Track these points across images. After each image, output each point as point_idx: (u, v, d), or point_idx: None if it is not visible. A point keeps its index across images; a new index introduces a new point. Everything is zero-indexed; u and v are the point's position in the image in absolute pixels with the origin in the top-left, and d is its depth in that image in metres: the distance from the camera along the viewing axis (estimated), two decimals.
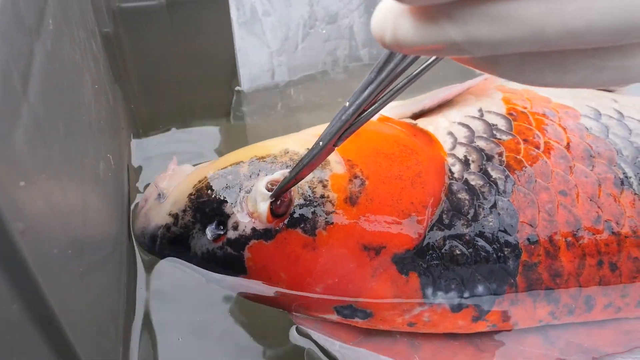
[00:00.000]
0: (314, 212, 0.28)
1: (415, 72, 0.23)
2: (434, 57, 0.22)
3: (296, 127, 0.49)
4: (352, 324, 0.30)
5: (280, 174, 0.28)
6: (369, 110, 0.23)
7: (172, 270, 0.33)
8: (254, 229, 0.28)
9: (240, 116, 0.53)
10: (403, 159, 0.30)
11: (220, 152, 0.48)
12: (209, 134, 0.51)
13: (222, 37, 0.54)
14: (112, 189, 0.31)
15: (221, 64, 0.57)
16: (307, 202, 0.28)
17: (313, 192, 0.28)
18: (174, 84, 0.57)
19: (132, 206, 0.37)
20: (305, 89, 0.55)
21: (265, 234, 0.28)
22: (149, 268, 0.35)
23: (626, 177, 0.32)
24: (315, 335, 0.31)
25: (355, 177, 0.29)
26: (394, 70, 0.20)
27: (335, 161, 0.30)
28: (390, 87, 0.22)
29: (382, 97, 0.22)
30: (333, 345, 0.30)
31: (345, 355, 0.29)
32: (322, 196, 0.28)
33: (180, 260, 0.31)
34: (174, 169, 0.32)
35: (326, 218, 0.28)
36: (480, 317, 0.30)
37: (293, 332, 0.34)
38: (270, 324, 0.35)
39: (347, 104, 0.23)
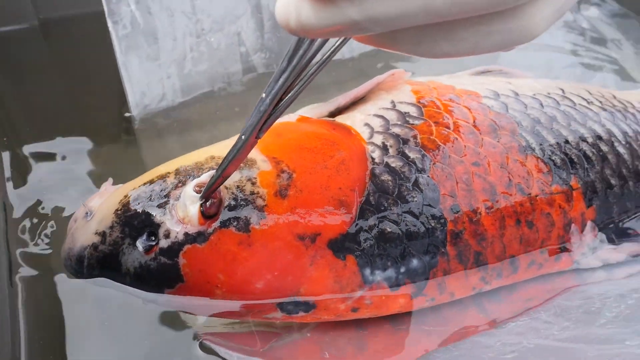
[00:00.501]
0: (245, 209, 0.28)
1: (324, 57, 0.25)
2: (340, 39, 0.24)
3: (194, 145, 0.48)
4: (296, 320, 0.30)
5: (207, 175, 0.28)
6: (286, 98, 0.24)
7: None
8: (186, 234, 0.28)
9: (133, 139, 0.52)
10: (326, 150, 0.31)
11: (118, 177, 0.47)
12: (103, 160, 0.49)
13: (104, 55, 0.52)
14: None
15: (108, 83, 0.55)
16: (238, 201, 0.28)
17: (242, 190, 0.29)
18: (59, 111, 0.55)
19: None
20: (201, 105, 0.54)
21: (198, 237, 0.27)
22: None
23: (528, 144, 0.35)
24: (218, 348, 0.31)
25: (282, 171, 0.30)
26: (304, 56, 0.21)
27: (261, 160, 0.30)
28: (304, 73, 0.23)
29: (298, 84, 0.23)
30: (231, 357, 0.30)
31: None
32: (252, 193, 0.29)
33: (108, 281, 0.30)
34: (106, 189, 0.31)
35: (258, 213, 0.28)
36: (418, 292, 0.31)
37: (196, 350, 0.33)
38: (173, 340, 0.34)
39: (264, 95, 0.24)
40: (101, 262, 0.29)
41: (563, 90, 0.41)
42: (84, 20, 0.63)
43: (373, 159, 0.32)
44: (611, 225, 0.37)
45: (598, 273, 0.36)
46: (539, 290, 0.35)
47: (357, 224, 0.30)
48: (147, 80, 0.52)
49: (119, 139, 0.52)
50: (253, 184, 0.29)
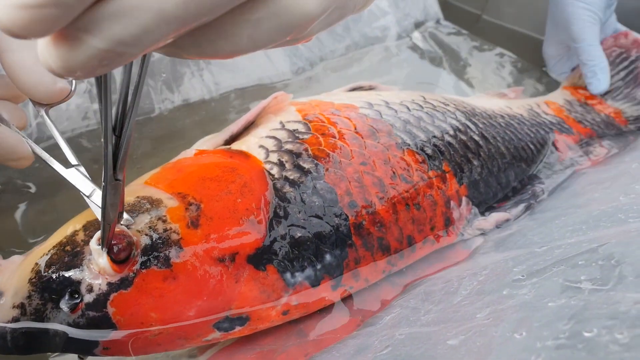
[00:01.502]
0: (162, 247, 0.30)
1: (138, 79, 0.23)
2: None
3: (52, 211, 0.47)
4: (235, 335, 0.32)
5: (101, 229, 0.29)
6: (124, 131, 0.23)
7: None
8: (109, 284, 0.29)
9: None
10: (227, 177, 0.34)
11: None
12: None
13: None
14: None
15: None
16: (153, 240, 0.30)
17: (155, 230, 0.30)
18: None
19: None
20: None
21: (122, 284, 0.29)
22: None
23: (403, 141, 0.41)
24: None
25: (190, 204, 0.32)
26: (106, 88, 0.21)
27: (167, 197, 0.32)
28: (128, 102, 0.22)
29: (127, 117, 0.23)
30: None
31: None
32: (165, 230, 0.31)
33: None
34: (2, 264, 0.31)
35: (176, 248, 0.30)
36: (337, 284, 0.35)
37: None
38: None
39: (102, 139, 0.24)
40: (26, 333, 0.28)
41: (424, 98, 0.48)
42: None
43: (272, 175, 0.36)
44: (481, 201, 0.44)
45: (478, 240, 0.42)
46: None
47: (269, 236, 0.33)
48: None
49: None
50: (164, 221, 0.31)
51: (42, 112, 0.30)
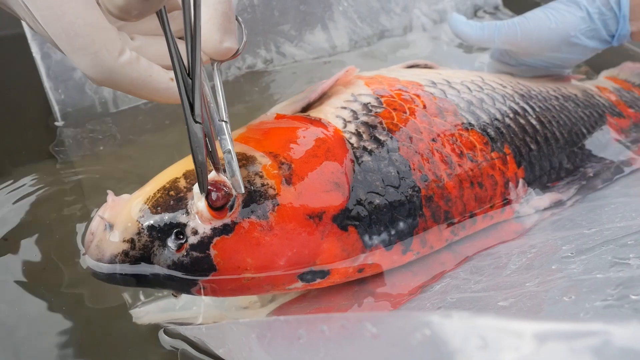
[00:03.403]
0: (260, 199, 0.33)
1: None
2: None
3: (128, 157, 0.52)
4: (314, 286, 0.36)
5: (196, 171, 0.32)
6: (196, 69, 0.27)
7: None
8: (213, 228, 0.32)
9: (64, 155, 0.54)
10: (312, 142, 0.37)
11: (55, 194, 0.49)
12: (37, 177, 0.51)
13: (27, 75, 0.55)
14: None
15: (32, 104, 0.57)
16: (253, 193, 0.33)
17: (253, 184, 0.34)
18: None
19: None
20: (131, 117, 0.57)
21: (225, 229, 0.32)
22: None
23: (468, 121, 0.44)
24: (182, 328, 0.36)
25: (282, 163, 0.35)
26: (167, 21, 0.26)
27: (259, 155, 0.35)
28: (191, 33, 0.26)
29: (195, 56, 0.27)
30: (200, 330, 0.34)
31: (210, 335, 0.33)
32: (263, 184, 0.34)
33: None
34: (113, 200, 0.34)
35: (272, 201, 0.33)
36: (407, 248, 0.38)
37: (162, 336, 0.39)
38: (137, 332, 0.39)
39: (170, 77, 0.28)
40: (134, 265, 0.32)
41: (482, 78, 0.51)
42: (2, 41, 0.62)
43: (352, 144, 0.39)
44: (535, 181, 0.47)
45: (532, 217, 0.45)
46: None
47: (351, 200, 0.36)
48: (74, 97, 0.54)
49: (50, 156, 0.54)
50: (261, 177, 0.34)
51: (215, 67, 0.33)
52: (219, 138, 0.32)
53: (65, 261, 0.45)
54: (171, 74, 0.30)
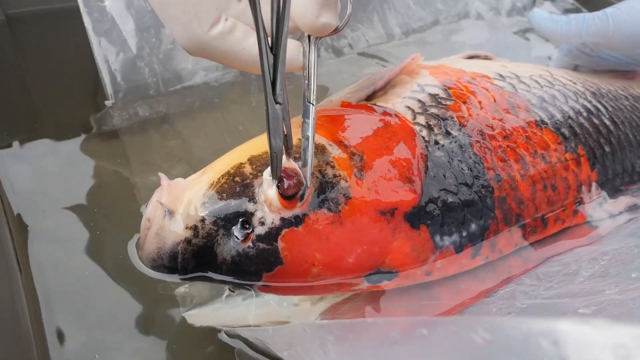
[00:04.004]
0: (332, 191, 0.31)
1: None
2: None
3: (176, 136, 0.51)
4: (380, 288, 0.34)
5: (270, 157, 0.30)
6: (280, 47, 0.26)
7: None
8: (282, 219, 0.30)
9: (113, 133, 0.53)
10: (383, 132, 0.35)
11: (104, 172, 0.48)
12: (84, 155, 0.50)
13: (78, 50, 0.53)
14: None
15: (83, 79, 0.56)
16: (324, 184, 0.31)
17: (325, 174, 0.32)
18: (33, 108, 0.55)
19: None
20: (180, 97, 0.56)
21: (294, 221, 0.30)
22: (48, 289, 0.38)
23: (542, 119, 0.42)
24: (240, 330, 0.35)
25: (354, 154, 0.33)
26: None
27: (328, 144, 0.33)
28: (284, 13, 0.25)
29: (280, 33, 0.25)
30: (266, 331, 0.33)
31: (277, 337, 0.32)
32: (335, 175, 0.32)
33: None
34: (169, 184, 0.32)
35: (344, 194, 0.31)
36: (476, 252, 0.36)
37: (222, 335, 0.37)
38: (193, 330, 0.38)
39: (262, 58, 0.26)
40: (196, 254, 0.30)
41: (550, 73, 0.48)
42: (54, 15, 0.61)
43: (423, 137, 0.37)
44: (608, 185, 0.44)
45: (605, 222, 0.43)
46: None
47: (424, 197, 0.34)
48: (125, 73, 0.52)
49: (99, 133, 0.53)
50: (332, 167, 0.32)
51: (311, 43, 0.31)
52: (302, 120, 0.30)
53: (111, 244, 0.43)
54: None
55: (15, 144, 0.51)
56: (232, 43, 0.27)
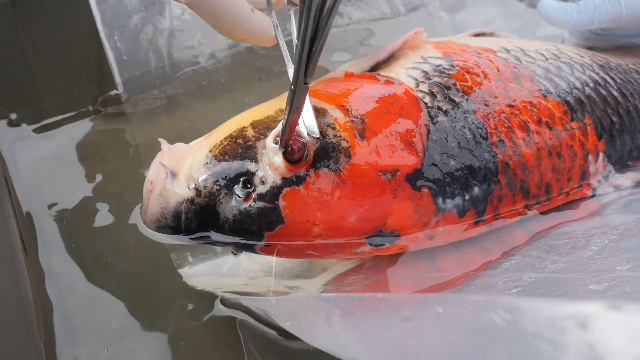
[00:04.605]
0: (333, 151, 0.32)
1: None
2: None
3: (183, 118, 0.52)
4: (382, 252, 0.34)
5: (280, 126, 0.31)
6: (318, 36, 0.25)
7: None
8: (284, 178, 0.31)
9: (120, 114, 0.53)
10: (385, 98, 0.36)
11: (111, 153, 0.49)
12: (92, 137, 0.51)
13: (83, 30, 0.54)
14: None
15: (88, 58, 0.57)
16: (325, 144, 0.32)
17: (326, 135, 0.32)
18: (34, 89, 0.55)
19: None
20: (187, 78, 0.56)
21: (296, 180, 0.31)
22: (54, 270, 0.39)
23: (546, 88, 0.41)
24: (245, 299, 0.35)
25: (355, 117, 0.34)
26: None
27: (330, 108, 0.34)
28: (325, 8, 0.24)
29: (322, 21, 0.24)
30: (269, 302, 0.32)
31: (280, 307, 0.31)
32: (336, 136, 0.32)
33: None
34: (169, 147, 0.33)
35: (345, 154, 0.32)
36: (479, 218, 0.36)
37: (218, 306, 0.38)
38: (194, 301, 0.39)
39: (296, 41, 0.26)
40: (199, 214, 0.31)
41: (558, 48, 0.48)
42: None
43: (425, 103, 0.37)
44: (615, 158, 0.44)
45: (610, 196, 0.42)
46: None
47: (426, 160, 0.34)
48: (133, 55, 0.53)
49: (105, 114, 0.54)
50: (333, 128, 0.33)
51: (291, 12, 0.32)
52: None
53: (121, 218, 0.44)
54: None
55: (21, 124, 0.52)
56: None
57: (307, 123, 0.31)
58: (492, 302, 0.18)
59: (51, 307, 0.39)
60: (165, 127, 0.52)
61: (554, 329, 0.16)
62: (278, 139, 0.31)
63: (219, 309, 0.39)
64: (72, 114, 0.52)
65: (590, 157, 0.42)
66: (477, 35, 0.53)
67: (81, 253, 0.42)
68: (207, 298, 0.39)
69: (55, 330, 0.38)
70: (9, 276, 0.38)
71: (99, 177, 0.47)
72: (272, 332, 0.37)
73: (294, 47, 0.32)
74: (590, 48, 0.56)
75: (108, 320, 0.39)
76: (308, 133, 0.31)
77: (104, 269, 0.42)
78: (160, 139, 0.34)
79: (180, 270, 0.40)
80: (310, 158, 0.31)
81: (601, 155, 0.43)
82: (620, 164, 0.44)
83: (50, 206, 0.45)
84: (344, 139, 0.32)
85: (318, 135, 0.31)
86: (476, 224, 0.36)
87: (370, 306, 0.23)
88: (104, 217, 0.45)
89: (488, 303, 0.18)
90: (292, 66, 0.32)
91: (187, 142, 0.40)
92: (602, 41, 0.55)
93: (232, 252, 0.34)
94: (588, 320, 0.15)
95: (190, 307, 0.40)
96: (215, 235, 0.32)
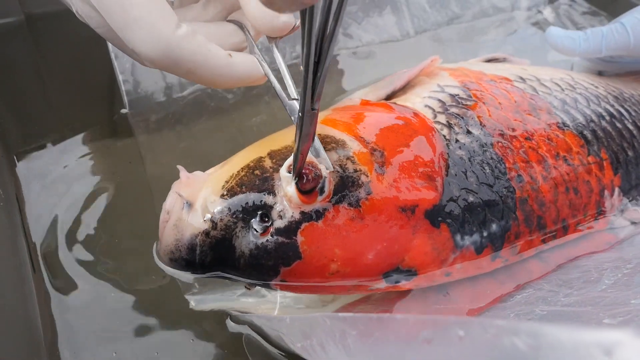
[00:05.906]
0: (353, 186, 0.31)
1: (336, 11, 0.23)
2: None
3: (191, 137, 0.52)
4: (398, 289, 0.33)
5: (293, 156, 0.31)
6: (322, 61, 0.24)
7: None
8: (303, 213, 0.30)
9: (129, 134, 0.53)
10: (404, 129, 0.35)
11: (121, 174, 0.49)
12: (100, 156, 0.51)
13: (95, 51, 0.54)
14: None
15: (99, 79, 0.57)
16: (345, 179, 0.31)
17: (345, 169, 0.32)
18: (49, 109, 0.56)
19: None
20: (195, 97, 0.57)
21: (315, 215, 0.30)
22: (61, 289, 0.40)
23: (563, 121, 0.41)
24: (249, 316, 0.34)
25: (374, 150, 0.33)
26: (314, 18, 0.22)
27: (349, 139, 0.33)
28: (326, 33, 0.23)
29: (324, 45, 0.24)
30: (283, 321, 0.31)
31: (294, 327, 0.30)
32: (356, 170, 0.32)
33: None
34: (188, 177, 0.32)
35: (365, 189, 0.31)
36: (496, 254, 0.36)
37: (229, 322, 0.38)
38: (205, 318, 0.39)
39: (301, 67, 0.25)
40: (214, 247, 0.30)
41: (572, 77, 0.48)
42: (72, 16, 0.62)
43: (444, 136, 0.36)
44: (631, 191, 0.44)
45: (626, 230, 0.42)
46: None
47: (445, 196, 0.34)
48: (141, 75, 0.53)
49: (115, 134, 0.54)
50: (353, 162, 0.32)
51: (272, 45, 0.31)
52: (292, 117, 0.31)
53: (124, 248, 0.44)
54: (229, 51, 0.29)
55: (32, 143, 0.51)
56: (200, 44, 0.27)
57: (322, 156, 0.31)
58: (515, 326, 0.18)
59: (56, 326, 0.38)
60: (173, 147, 0.51)
61: (578, 356, 0.16)
62: (291, 169, 0.31)
63: (230, 326, 0.39)
64: (81, 134, 0.52)
65: (606, 193, 0.42)
66: (489, 60, 0.53)
67: (89, 272, 0.42)
68: (217, 316, 0.39)
69: (60, 350, 0.37)
70: (16, 292, 0.38)
71: (108, 197, 0.47)
72: (279, 353, 0.37)
73: (285, 79, 0.31)
74: (600, 72, 0.56)
75: (115, 333, 0.38)
76: (326, 167, 0.31)
77: (114, 290, 0.41)
78: (179, 166, 0.33)
79: (187, 296, 0.39)
80: (329, 192, 0.31)
81: (617, 190, 0.42)
82: (637, 198, 0.44)
83: (59, 225, 0.44)
84: (363, 173, 0.32)
85: (332, 168, 0.31)
86: (493, 259, 0.36)
87: (389, 327, 0.23)
88: (113, 236, 0.44)
89: (511, 327, 0.18)
90: (287, 99, 0.32)
91: (195, 162, 0.40)
92: (611, 67, 0.55)
93: (245, 287, 0.34)
94: (614, 348, 0.15)
95: (199, 326, 0.39)
96: (229, 275, 0.31)
